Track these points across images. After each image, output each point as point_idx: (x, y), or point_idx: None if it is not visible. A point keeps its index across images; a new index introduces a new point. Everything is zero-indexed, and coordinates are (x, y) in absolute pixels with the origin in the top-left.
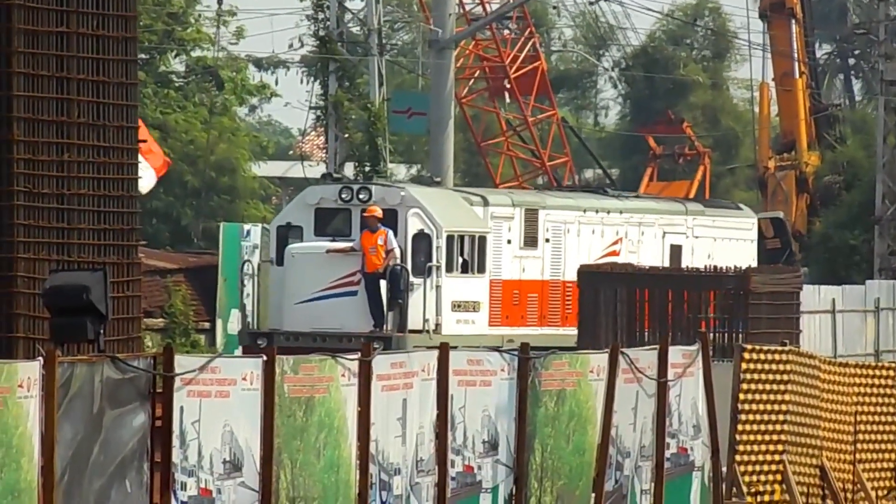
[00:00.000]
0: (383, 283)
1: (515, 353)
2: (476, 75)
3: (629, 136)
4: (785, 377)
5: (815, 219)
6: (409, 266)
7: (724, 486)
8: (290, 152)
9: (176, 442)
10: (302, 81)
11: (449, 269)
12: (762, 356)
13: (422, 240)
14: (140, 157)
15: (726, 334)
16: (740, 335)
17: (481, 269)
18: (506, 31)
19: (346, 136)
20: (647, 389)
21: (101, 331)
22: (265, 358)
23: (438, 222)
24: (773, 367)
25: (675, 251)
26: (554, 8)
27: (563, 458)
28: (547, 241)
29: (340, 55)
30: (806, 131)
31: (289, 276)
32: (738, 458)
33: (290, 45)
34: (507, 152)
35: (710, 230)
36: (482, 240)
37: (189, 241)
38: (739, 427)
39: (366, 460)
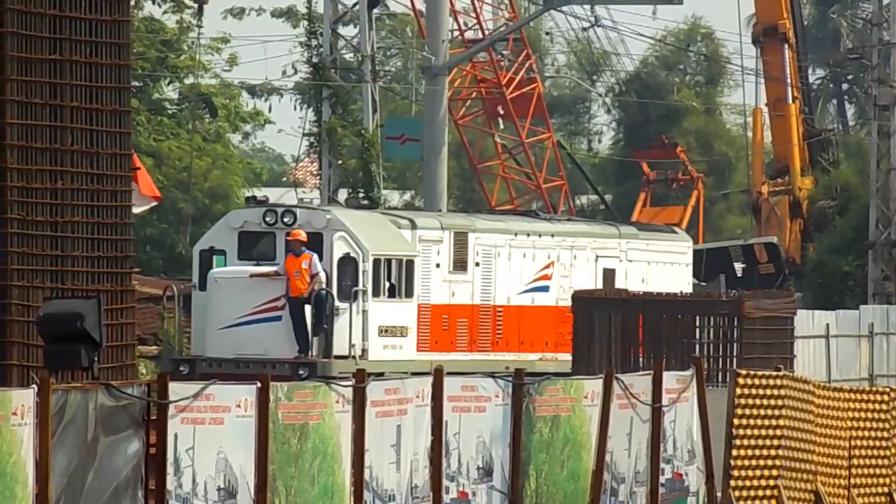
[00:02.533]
0: (308, 308)
1: (510, 379)
2: (473, 96)
3: (623, 162)
4: (779, 402)
5: (809, 244)
6: (334, 290)
7: None
8: (284, 179)
9: (170, 469)
10: (295, 108)
11: (376, 293)
12: (756, 381)
13: (348, 263)
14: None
15: (720, 360)
16: (734, 360)
17: (409, 294)
18: (498, 58)
19: (340, 162)
20: (642, 415)
21: (96, 358)
22: (259, 385)
23: (365, 246)
24: (768, 392)
25: (609, 275)
26: (547, 34)
27: (557, 484)
28: (477, 264)
29: (334, 82)
30: (799, 156)
31: (212, 300)
32: (732, 483)
33: (284, 72)
34: (502, 175)
35: (643, 254)
36: (410, 263)
37: (183, 268)
38: (734, 452)
39: (360, 487)
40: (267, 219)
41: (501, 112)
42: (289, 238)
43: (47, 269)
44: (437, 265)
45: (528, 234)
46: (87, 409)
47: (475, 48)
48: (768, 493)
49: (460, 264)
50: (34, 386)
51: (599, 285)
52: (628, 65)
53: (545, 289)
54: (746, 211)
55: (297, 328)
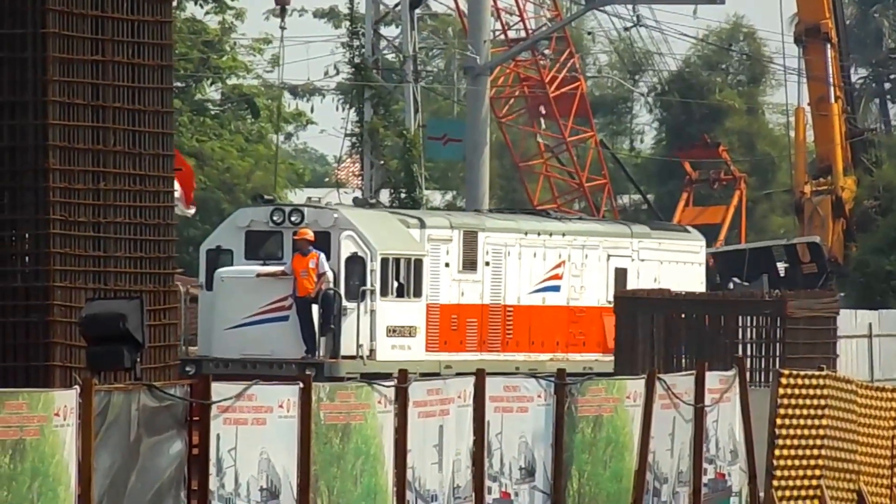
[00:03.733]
0: (315, 308)
1: (552, 379)
2: (516, 94)
3: (665, 162)
4: (822, 402)
5: (852, 243)
6: (342, 290)
7: None
8: (326, 179)
9: (213, 470)
10: (337, 109)
11: (384, 293)
12: (799, 381)
13: (355, 263)
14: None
15: (763, 359)
16: (777, 360)
17: (417, 293)
18: (540, 59)
19: (382, 162)
20: (685, 415)
21: (138, 359)
22: (301, 385)
23: (373, 245)
24: (810, 391)
25: (620, 274)
26: (589, 34)
27: (600, 485)
28: (487, 264)
29: (376, 82)
30: (842, 156)
31: (218, 300)
32: (775, 483)
33: (326, 73)
34: (545, 174)
35: (656, 253)
36: (418, 263)
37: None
38: (777, 452)
39: (403, 487)
40: (274, 218)
41: (543, 112)
42: (295, 237)
43: (90, 269)
44: (447, 264)
45: (539, 234)
46: (130, 410)
47: (517, 48)
48: (811, 492)
49: (470, 264)
50: (77, 387)
51: (611, 285)
52: (670, 64)
53: (556, 288)
54: (789, 211)
55: (304, 328)
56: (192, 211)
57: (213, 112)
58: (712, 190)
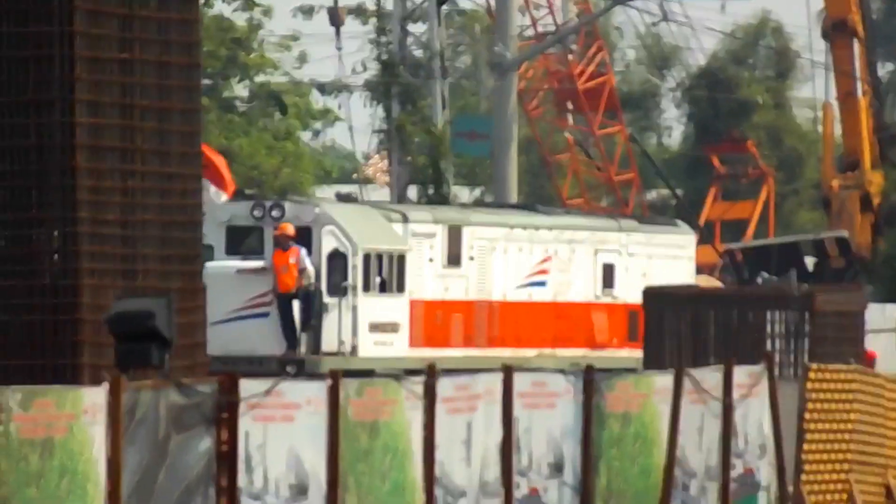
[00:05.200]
0: (296, 304)
1: (580, 374)
2: (545, 87)
3: (693, 157)
4: (850, 396)
5: (880, 238)
6: (323, 286)
7: None
8: (354, 176)
9: (241, 467)
10: (365, 105)
11: (366, 288)
12: (827, 375)
13: (337, 258)
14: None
15: (791, 354)
16: (805, 355)
17: (400, 289)
18: (567, 51)
19: (410, 159)
20: (713, 410)
21: (167, 356)
22: (330, 381)
23: (354, 240)
24: (839, 386)
25: (608, 269)
26: (616, 29)
27: (629, 480)
28: (472, 259)
29: (403, 79)
30: (870, 150)
31: None
32: (804, 477)
33: (353, 70)
34: (573, 168)
35: (645, 248)
36: (401, 258)
37: None
38: (805, 447)
39: (431, 483)
40: (255, 213)
41: (571, 107)
42: (276, 233)
43: (118, 268)
44: (431, 259)
45: (525, 228)
46: (159, 407)
47: (544, 44)
48: (839, 486)
49: (454, 259)
50: (105, 384)
51: (599, 280)
52: (699, 59)
53: (543, 284)
54: (817, 205)
55: (284, 325)
56: (225, 198)
57: (241, 109)
58: (740, 185)
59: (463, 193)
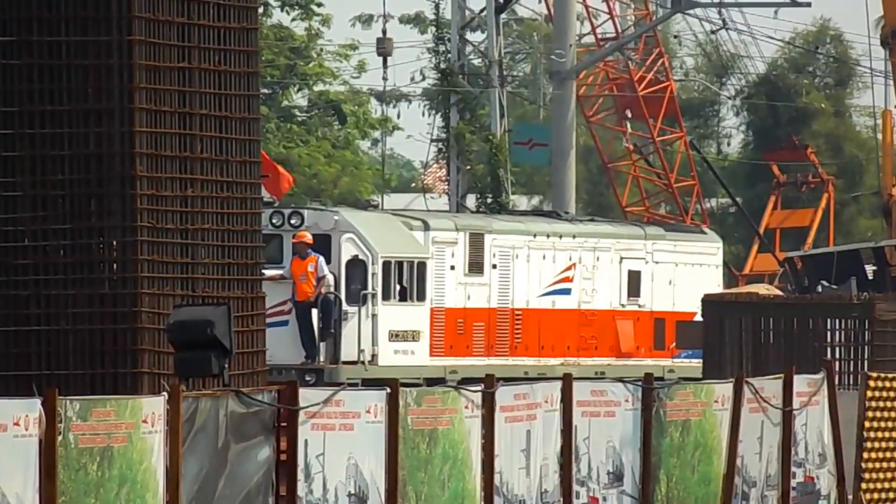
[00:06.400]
0: (315, 312)
1: (640, 383)
2: (605, 93)
3: (752, 165)
4: None
5: None
6: (343, 294)
7: None
8: (413, 185)
9: (301, 475)
10: (423, 114)
11: (386, 296)
12: (887, 384)
13: (356, 266)
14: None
15: (851, 362)
16: (865, 363)
17: (421, 297)
18: (625, 58)
19: (468, 167)
20: (773, 418)
21: (226, 365)
22: (389, 390)
23: (374, 248)
24: None
25: (634, 277)
26: (675, 37)
27: (688, 489)
28: (494, 267)
29: (461, 87)
30: None
31: None
32: (863, 486)
33: (412, 78)
34: (633, 174)
35: (671, 255)
36: (422, 266)
37: None
38: (865, 455)
39: (490, 492)
40: (273, 220)
41: (629, 115)
42: (294, 240)
43: (177, 276)
44: (452, 267)
45: (549, 235)
46: (218, 416)
47: (602, 51)
48: None
49: (476, 266)
50: (164, 393)
51: (624, 288)
52: (758, 67)
53: (566, 291)
54: (877, 213)
55: (303, 333)
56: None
57: (299, 119)
58: (800, 193)
59: (521, 202)
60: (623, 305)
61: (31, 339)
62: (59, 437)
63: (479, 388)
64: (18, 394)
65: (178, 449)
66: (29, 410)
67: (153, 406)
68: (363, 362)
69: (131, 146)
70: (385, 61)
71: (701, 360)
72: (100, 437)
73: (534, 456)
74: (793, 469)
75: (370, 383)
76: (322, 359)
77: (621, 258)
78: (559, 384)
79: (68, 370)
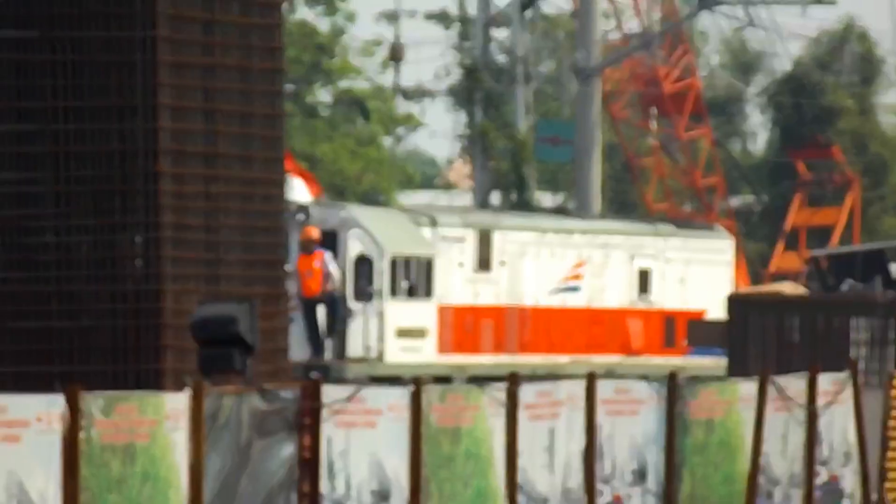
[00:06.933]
0: (321, 309)
1: (664, 381)
2: (630, 89)
3: (777, 163)
4: None
5: None
6: (349, 290)
7: None
8: (437, 181)
9: (324, 472)
10: (448, 111)
11: (393, 293)
12: None
13: (363, 263)
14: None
15: (876, 361)
16: (889, 362)
17: (428, 294)
18: (650, 56)
19: (492, 164)
20: (797, 417)
21: (249, 362)
22: (412, 387)
23: (381, 244)
24: None
25: (644, 275)
26: (701, 33)
27: (712, 488)
28: (502, 263)
29: (486, 84)
30: None
31: None
32: (888, 485)
33: (436, 75)
34: (658, 171)
35: (682, 253)
36: (429, 263)
37: None
38: (889, 454)
39: (514, 490)
40: None
41: (655, 111)
42: (301, 236)
43: (201, 273)
44: (461, 264)
45: (558, 232)
46: (241, 413)
47: (627, 48)
48: None
49: (484, 263)
50: (187, 390)
51: (635, 285)
52: (784, 64)
53: (576, 289)
54: None
55: (309, 330)
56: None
57: (324, 115)
58: (825, 191)
59: (546, 199)
60: (633, 303)
61: (54, 335)
62: (82, 434)
63: (502, 385)
64: (41, 390)
65: (201, 445)
66: (52, 406)
67: (176, 402)
68: (370, 359)
69: (155, 143)
70: (397, 66)
71: (712, 359)
72: (123, 433)
73: (557, 454)
74: (817, 468)
75: (377, 381)
76: (328, 355)
77: (632, 256)
78: (583, 382)
79: (91, 366)
